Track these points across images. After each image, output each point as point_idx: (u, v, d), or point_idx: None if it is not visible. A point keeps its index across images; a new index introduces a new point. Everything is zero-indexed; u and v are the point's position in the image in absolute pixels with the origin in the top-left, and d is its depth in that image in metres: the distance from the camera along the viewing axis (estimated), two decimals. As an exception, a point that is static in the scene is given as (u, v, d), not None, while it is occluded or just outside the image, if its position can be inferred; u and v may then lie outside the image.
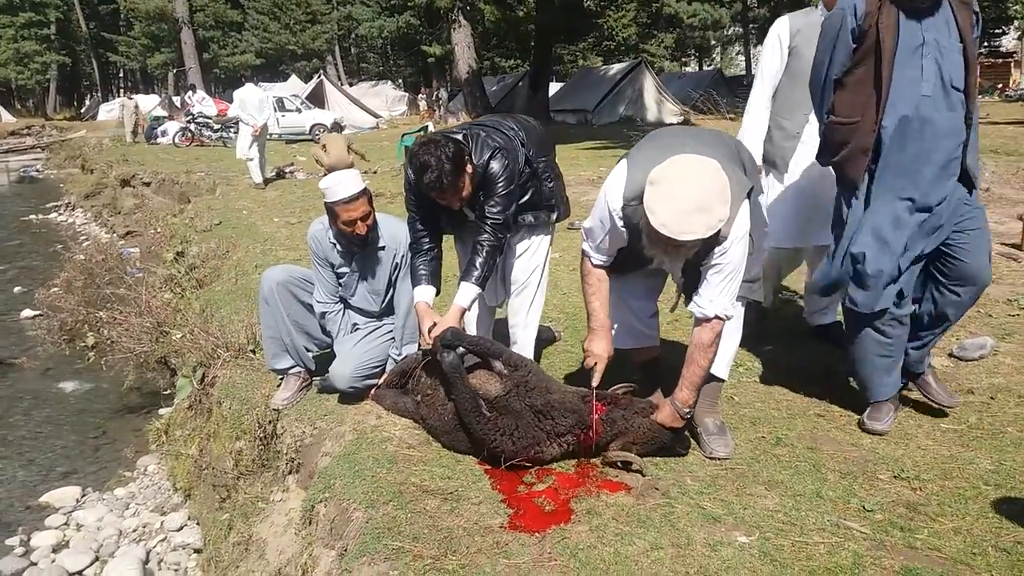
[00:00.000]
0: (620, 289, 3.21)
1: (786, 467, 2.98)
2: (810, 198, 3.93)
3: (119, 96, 52.80)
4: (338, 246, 3.65)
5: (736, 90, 34.73)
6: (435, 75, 42.96)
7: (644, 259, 2.83)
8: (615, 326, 3.22)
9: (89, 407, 6.72)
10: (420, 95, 39.84)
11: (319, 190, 3.58)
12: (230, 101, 26.28)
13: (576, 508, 2.72)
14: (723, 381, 3.22)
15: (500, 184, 3.28)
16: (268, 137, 13.72)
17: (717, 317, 2.81)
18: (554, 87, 33.40)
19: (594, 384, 3.04)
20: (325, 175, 13.82)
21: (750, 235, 2.82)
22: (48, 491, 5.22)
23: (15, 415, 6.55)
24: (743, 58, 48.46)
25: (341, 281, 3.74)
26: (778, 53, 3.97)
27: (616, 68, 31.80)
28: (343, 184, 3.47)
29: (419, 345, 3.49)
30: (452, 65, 30.06)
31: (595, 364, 3.05)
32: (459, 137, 3.27)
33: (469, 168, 3.20)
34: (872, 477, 2.88)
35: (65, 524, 4.86)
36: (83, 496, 5.18)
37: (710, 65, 49.56)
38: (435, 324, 3.17)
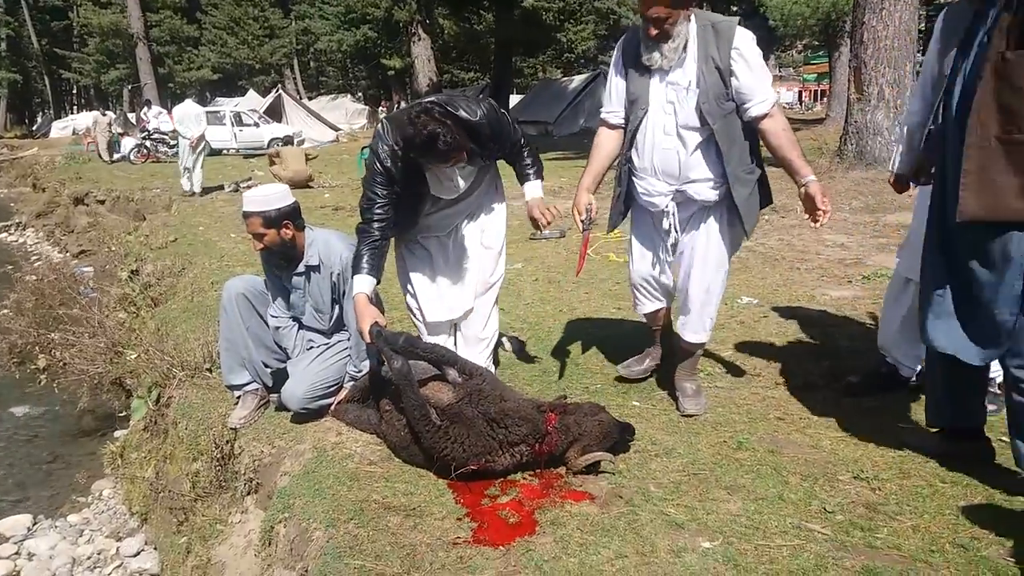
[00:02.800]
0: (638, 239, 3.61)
1: (748, 471, 2.99)
2: None
3: (74, 112, 51.99)
4: (277, 265, 3.64)
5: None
6: (395, 88, 42.82)
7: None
8: (640, 291, 3.68)
9: (41, 431, 6.54)
10: (380, 108, 39.72)
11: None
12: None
13: (541, 519, 2.69)
14: (704, 345, 3.62)
15: (505, 126, 3.46)
16: (226, 152, 13.95)
17: (773, 105, 3.17)
18: (514, 99, 33.51)
19: (582, 227, 3.44)
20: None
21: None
22: (-1, 519, 5.06)
23: (-36, 442, 6.36)
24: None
25: (290, 300, 3.69)
26: None
27: (576, 80, 31.99)
28: (249, 198, 3.55)
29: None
30: (412, 78, 30.01)
31: (578, 215, 3.42)
32: (439, 104, 3.25)
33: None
34: (832, 479, 2.90)
35: (16, 554, 4.72)
36: (35, 524, 5.03)
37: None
38: (375, 323, 3.13)
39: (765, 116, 3.17)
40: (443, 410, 2.99)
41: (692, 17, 3.16)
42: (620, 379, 3.97)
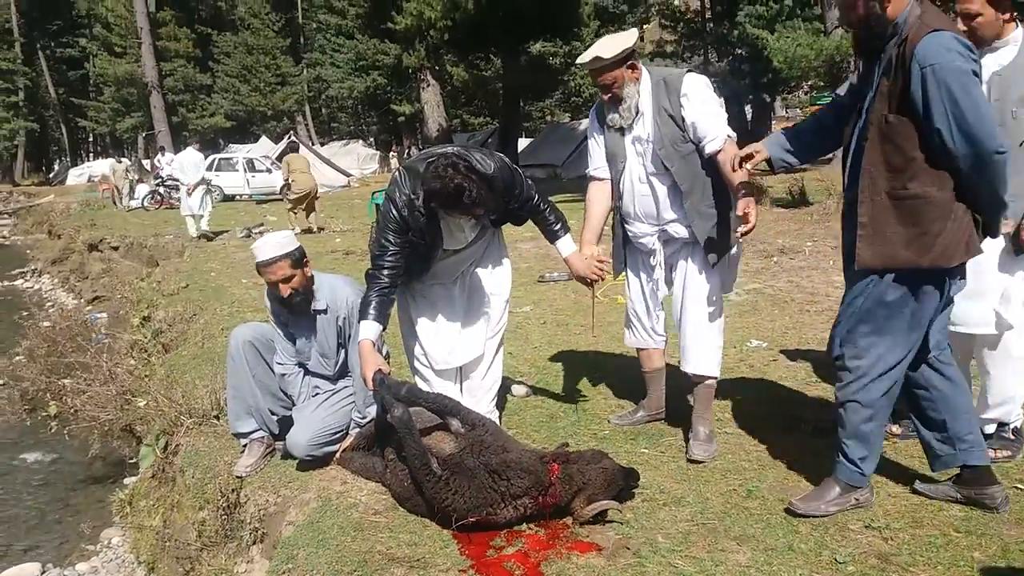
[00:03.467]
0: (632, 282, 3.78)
1: (757, 520, 2.95)
2: None
3: (90, 160, 52.77)
4: (279, 308, 3.65)
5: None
6: (406, 133, 43.34)
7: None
8: (631, 325, 3.89)
9: (51, 479, 6.54)
10: (392, 153, 40.15)
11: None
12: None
13: (546, 571, 2.66)
14: (715, 379, 3.66)
15: (519, 182, 3.50)
16: (238, 197, 14.44)
17: (727, 138, 3.36)
18: (523, 143, 33.84)
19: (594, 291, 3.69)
20: (291, 196, 13.68)
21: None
22: (7, 569, 5.03)
23: (-26, 490, 6.36)
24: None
25: (296, 346, 3.70)
26: None
27: (584, 123, 32.28)
28: (264, 247, 3.52)
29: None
30: (422, 123, 30.36)
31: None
32: (458, 156, 3.27)
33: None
34: (843, 528, 2.86)
35: (23, 604, 4.69)
36: (43, 573, 5.00)
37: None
38: (379, 371, 3.14)
39: (718, 152, 3.36)
40: (444, 460, 2.98)
41: (643, 76, 3.50)
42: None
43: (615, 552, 2.76)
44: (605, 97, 3.52)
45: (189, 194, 14.59)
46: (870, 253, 2.72)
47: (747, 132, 24.47)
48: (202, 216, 14.75)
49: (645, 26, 41.04)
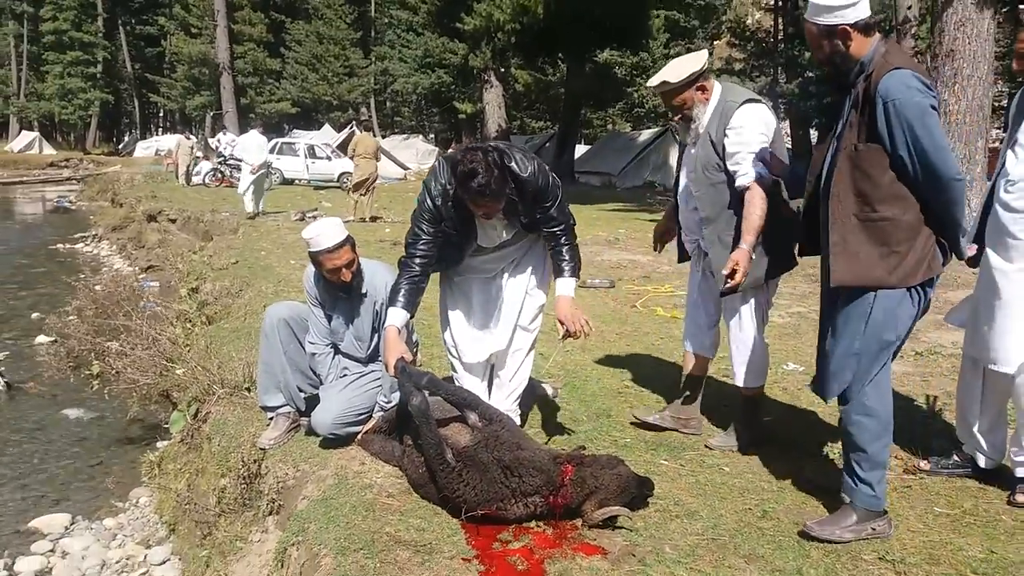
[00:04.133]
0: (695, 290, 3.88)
1: (769, 541, 2.91)
2: None
3: (158, 134, 54.19)
4: (325, 290, 3.69)
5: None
6: (466, 131, 43.63)
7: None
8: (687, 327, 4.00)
9: (90, 435, 6.73)
10: (450, 151, 40.49)
11: (304, 239, 3.62)
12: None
13: (549, 570, 2.67)
14: (749, 392, 3.79)
15: (552, 195, 3.44)
16: (297, 182, 14.79)
17: (755, 178, 3.39)
18: (580, 149, 33.79)
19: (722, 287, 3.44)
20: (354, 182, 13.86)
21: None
22: (39, 516, 5.20)
23: (16, 439, 6.57)
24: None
25: (331, 326, 3.76)
26: None
27: (645, 135, 32.17)
28: (325, 234, 3.54)
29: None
30: (483, 123, 30.57)
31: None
32: (496, 148, 3.29)
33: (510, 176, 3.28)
34: (856, 557, 2.81)
35: (51, 551, 4.83)
36: (72, 524, 5.15)
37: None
38: (401, 358, 3.18)
39: (746, 188, 3.42)
40: (459, 452, 3.00)
41: (713, 97, 3.54)
42: (636, 424, 4.05)
43: (620, 558, 2.75)
44: (676, 118, 3.64)
45: (253, 174, 14.94)
46: (844, 270, 2.86)
47: (810, 154, 24.08)
48: (256, 193, 15.07)
49: (715, 42, 40.74)
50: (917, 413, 4.36)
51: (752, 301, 3.65)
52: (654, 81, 3.52)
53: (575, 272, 3.56)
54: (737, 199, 3.48)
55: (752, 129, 3.45)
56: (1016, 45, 3.27)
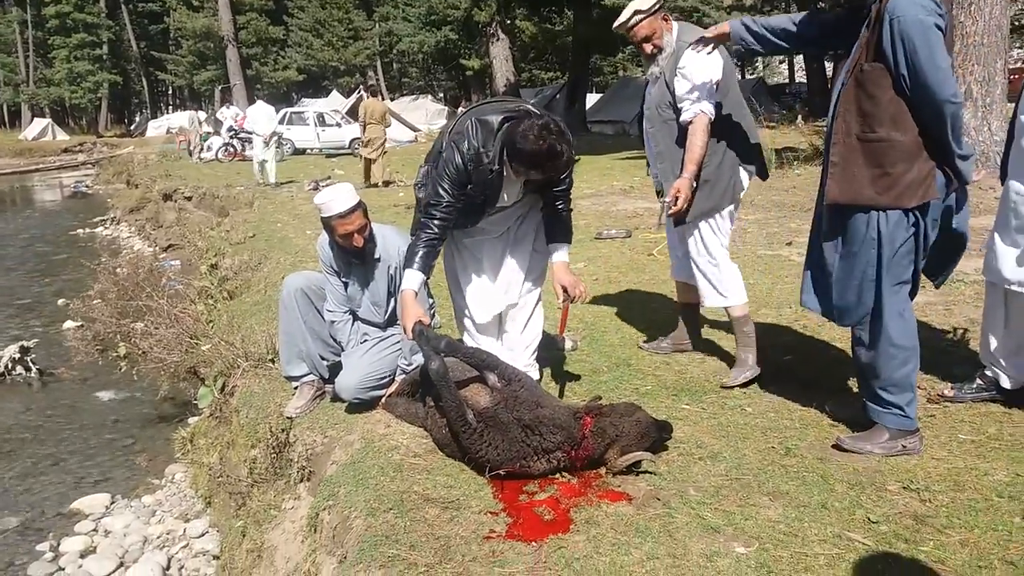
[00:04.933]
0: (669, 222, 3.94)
1: (793, 477, 2.93)
2: None
3: (169, 112, 54.19)
4: (339, 257, 3.70)
5: (779, 97, 34.37)
6: (474, 88, 43.17)
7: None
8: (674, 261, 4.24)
9: (123, 416, 6.88)
10: (460, 108, 40.13)
11: (316, 205, 3.63)
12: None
13: (575, 518, 2.70)
14: (724, 310, 4.03)
15: (572, 159, 3.45)
16: (309, 151, 15.03)
17: (699, 113, 3.62)
18: (592, 98, 33.36)
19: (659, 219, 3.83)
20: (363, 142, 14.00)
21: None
22: (80, 498, 5.34)
23: (53, 424, 6.74)
24: (785, 67, 47.98)
25: (347, 292, 3.78)
26: None
27: (654, 78, 31.64)
28: (338, 199, 3.52)
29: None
30: (491, 78, 30.23)
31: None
32: (552, 120, 3.26)
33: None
34: (881, 488, 2.82)
35: (94, 530, 4.98)
36: (112, 503, 5.30)
37: (752, 74, 49.15)
38: (419, 322, 3.19)
39: (689, 123, 3.66)
40: (479, 414, 3.03)
41: (672, 34, 3.75)
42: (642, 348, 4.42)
43: (645, 502, 2.78)
44: (647, 49, 3.77)
45: (266, 144, 15.44)
46: (838, 189, 2.96)
47: (827, 88, 23.70)
48: (268, 163, 15.50)
49: (723, -21, 39.81)
50: (940, 342, 4.32)
51: (706, 225, 3.84)
52: (626, 15, 3.70)
53: (568, 237, 3.66)
54: (684, 137, 3.71)
55: (698, 69, 3.62)
56: None
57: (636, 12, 3.68)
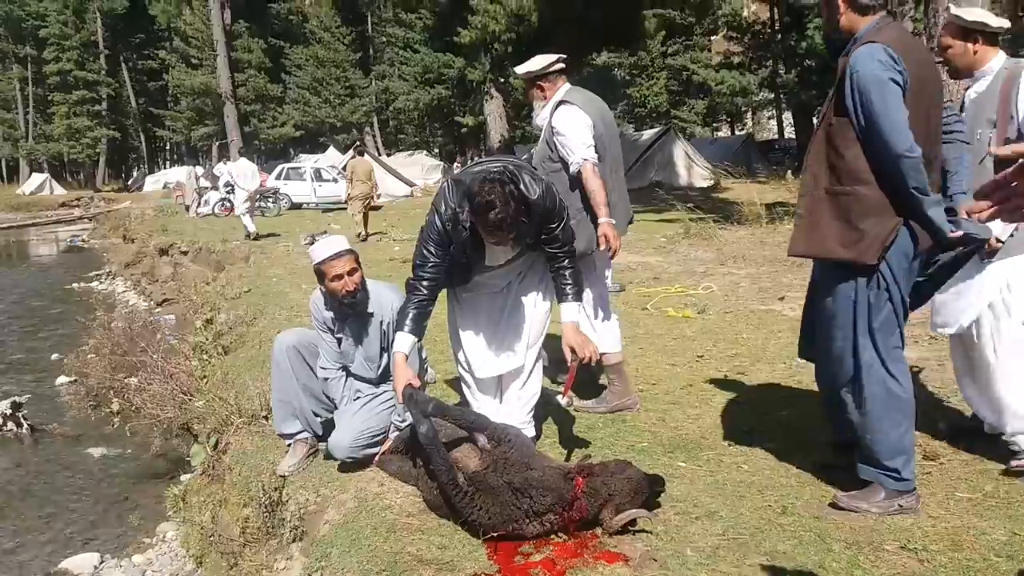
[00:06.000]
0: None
1: (790, 537, 2.91)
2: None
3: (166, 167, 54.64)
4: (332, 312, 3.72)
5: (767, 154, 34.86)
6: (469, 144, 43.74)
7: None
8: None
9: (115, 473, 6.79)
10: (455, 164, 40.60)
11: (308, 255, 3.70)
12: (270, 172, 27.14)
13: (572, 579, 2.68)
14: (610, 354, 4.21)
15: (559, 216, 3.44)
16: (305, 206, 18.74)
17: (582, 161, 3.98)
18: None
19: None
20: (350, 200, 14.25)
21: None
22: (69, 557, 5.25)
23: (43, 481, 6.65)
24: (774, 123, 48.72)
25: (340, 349, 3.79)
26: None
27: (647, 135, 32.12)
28: (328, 244, 3.64)
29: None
30: (485, 135, 30.63)
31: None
32: (510, 173, 3.27)
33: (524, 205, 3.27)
34: (878, 548, 2.80)
35: (82, 591, 4.88)
36: (102, 563, 5.20)
37: (741, 130, 49.92)
38: (408, 385, 3.20)
39: (579, 174, 3.99)
40: (469, 477, 3.02)
41: (554, 98, 4.16)
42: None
43: (642, 563, 2.75)
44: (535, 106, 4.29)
45: (249, 200, 16.53)
46: (804, 242, 3.00)
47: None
48: (244, 216, 16.43)
49: (712, 37, 40.70)
50: (933, 398, 4.34)
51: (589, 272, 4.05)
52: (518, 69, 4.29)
53: (578, 296, 3.55)
54: (575, 183, 4.04)
55: (568, 122, 4.05)
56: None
57: (519, 73, 4.27)
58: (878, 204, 2.83)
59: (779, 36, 32.50)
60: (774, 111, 45.00)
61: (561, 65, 4.19)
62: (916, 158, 2.74)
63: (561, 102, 4.10)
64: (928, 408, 4.04)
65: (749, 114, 50.24)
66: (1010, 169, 1.38)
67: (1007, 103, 3.33)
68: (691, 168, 29.57)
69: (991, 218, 1.42)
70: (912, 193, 2.78)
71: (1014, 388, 3.33)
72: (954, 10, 3.52)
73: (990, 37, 3.43)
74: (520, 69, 4.22)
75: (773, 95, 37.36)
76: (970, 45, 3.42)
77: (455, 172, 3.64)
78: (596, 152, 4.04)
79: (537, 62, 4.15)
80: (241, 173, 16.79)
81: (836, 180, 2.89)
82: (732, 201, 15.13)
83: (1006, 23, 3.45)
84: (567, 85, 4.21)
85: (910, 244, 2.86)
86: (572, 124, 4.03)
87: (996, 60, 3.43)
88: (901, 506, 3.01)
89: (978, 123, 3.40)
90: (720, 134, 47.46)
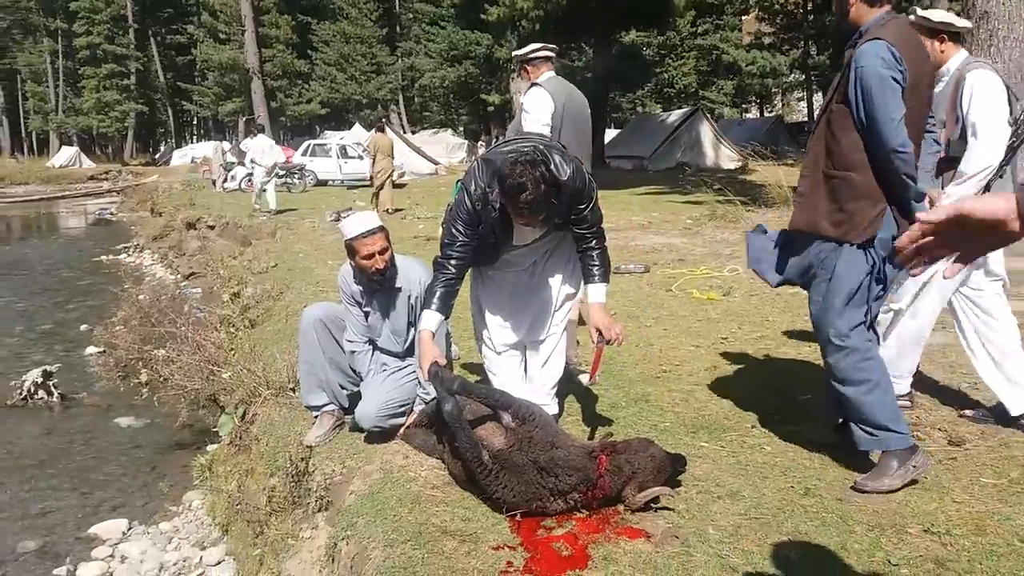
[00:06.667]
0: None
1: (812, 518, 2.92)
2: None
3: (193, 142, 54.99)
4: (360, 286, 3.75)
5: (797, 136, 34.47)
6: (494, 122, 43.62)
7: None
8: None
9: (142, 442, 6.91)
10: (480, 142, 40.52)
11: (340, 229, 3.72)
12: (296, 148, 27.22)
13: (593, 554, 2.71)
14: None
15: (588, 196, 3.42)
16: (331, 183, 20.21)
17: None
18: (611, 133, 33.57)
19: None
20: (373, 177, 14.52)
21: None
22: (98, 523, 5.36)
23: (73, 449, 6.78)
24: (804, 104, 48.13)
25: (367, 322, 3.83)
26: None
27: (674, 115, 31.87)
28: (361, 221, 3.65)
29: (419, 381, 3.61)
30: (510, 113, 30.56)
31: None
32: (540, 154, 3.24)
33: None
34: (901, 531, 2.80)
35: (111, 556, 4.98)
36: (130, 529, 5.31)
37: (771, 111, 49.33)
38: (434, 363, 3.22)
39: None
40: (494, 455, 3.04)
41: (536, 80, 4.74)
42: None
43: (663, 540, 2.77)
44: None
45: (268, 174, 16.82)
46: (800, 218, 3.19)
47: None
48: (268, 191, 16.62)
49: (744, 17, 40.15)
50: (957, 383, 4.31)
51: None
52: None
53: (605, 277, 3.53)
54: None
55: (533, 105, 4.54)
56: None
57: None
58: (866, 189, 3.00)
59: (811, 17, 32.02)
60: (804, 93, 44.38)
61: (546, 53, 4.72)
62: (908, 153, 2.91)
63: (534, 84, 4.65)
64: (953, 394, 4.01)
65: (779, 95, 49.63)
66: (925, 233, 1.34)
67: (954, 105, 3.59)
68: (719, 149, 29.34)
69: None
70: (899, 183, 2.97)
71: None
72: (920, 11, 3.77)
73: (954, 36, 3.72)
74: (515, 52, 4.80)
75: (804, 76, 36.84)
76: (937, 44, 3.68)
77: (485, 152, 3.60)
78: (550, 133, 4.40)
79: (526, 48, 4.75)
80: (261, 148, 17.13)
81: (831, 164, 3.06)
82: (759, 183, 15.00)
83: (968, 24, 3.79)
84: (550, 72, 4.71)
85: (893, 227, 3.03)
86: (536, 103, 4.55)
87: (955, 60, 3.70)
88: (915, 467, 3.09)
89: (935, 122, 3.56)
90: (749, 115, 46.96)
